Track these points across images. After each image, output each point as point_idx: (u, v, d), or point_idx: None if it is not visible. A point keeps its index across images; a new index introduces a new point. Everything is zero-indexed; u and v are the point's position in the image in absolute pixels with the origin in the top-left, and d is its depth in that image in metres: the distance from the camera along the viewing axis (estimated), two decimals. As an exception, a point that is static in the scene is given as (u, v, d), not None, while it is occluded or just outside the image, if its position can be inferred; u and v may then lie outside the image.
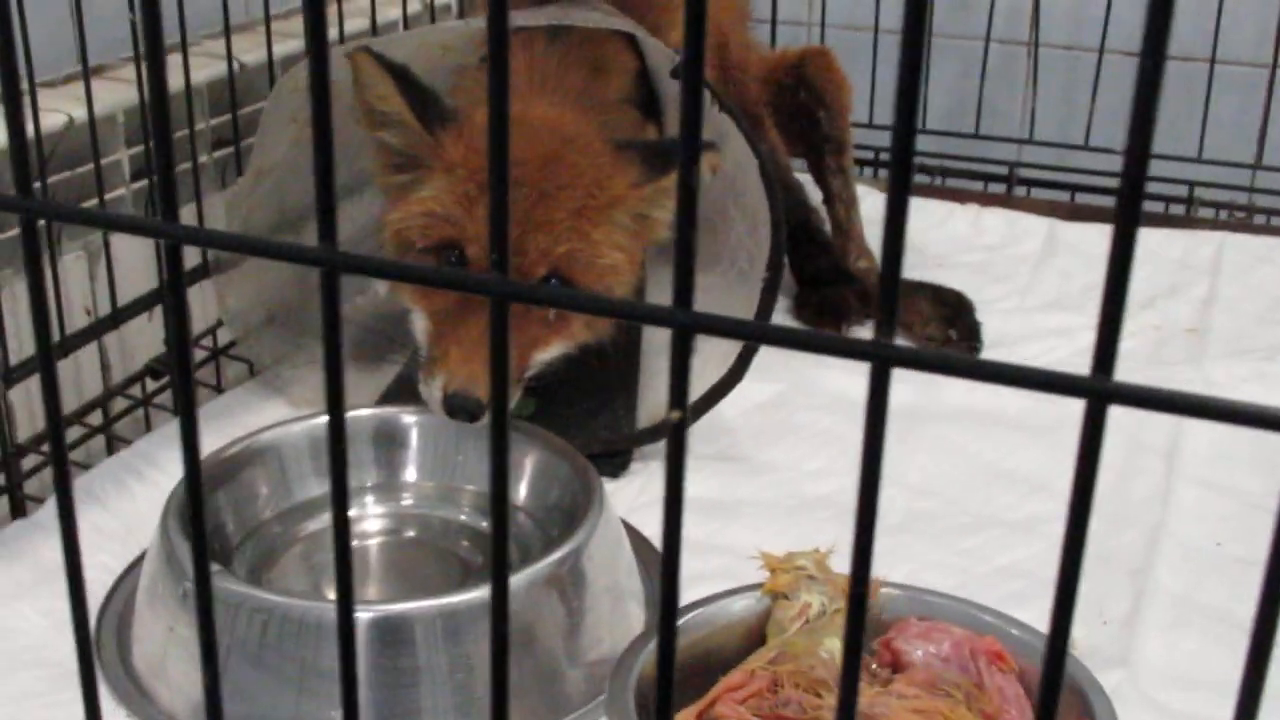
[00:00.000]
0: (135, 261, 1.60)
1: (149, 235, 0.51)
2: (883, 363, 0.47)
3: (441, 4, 2.05)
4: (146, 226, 0.53)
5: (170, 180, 0.50)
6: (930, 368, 0.48)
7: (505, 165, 0.48)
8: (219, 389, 1.68)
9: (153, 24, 0.48)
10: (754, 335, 0.48)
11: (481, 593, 1.09)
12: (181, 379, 0.54)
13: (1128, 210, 0.43)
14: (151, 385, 1.63)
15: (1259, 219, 2.22)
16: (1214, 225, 2.11)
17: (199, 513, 0.57)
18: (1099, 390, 0.45)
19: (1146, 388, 0.47)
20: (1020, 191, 2.33)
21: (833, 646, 1.02)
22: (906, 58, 0.42)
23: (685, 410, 0.49)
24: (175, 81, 1.59)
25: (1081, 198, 2.29)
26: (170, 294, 0.52)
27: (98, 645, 1.17)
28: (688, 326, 0.48)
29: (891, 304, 0.47)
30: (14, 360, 1.41)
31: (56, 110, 1.52)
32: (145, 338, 1.65)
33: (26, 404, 1.52)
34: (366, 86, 1.35)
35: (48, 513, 1.31)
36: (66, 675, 1.15)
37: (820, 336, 0.48)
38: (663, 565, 0.50)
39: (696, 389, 1.50)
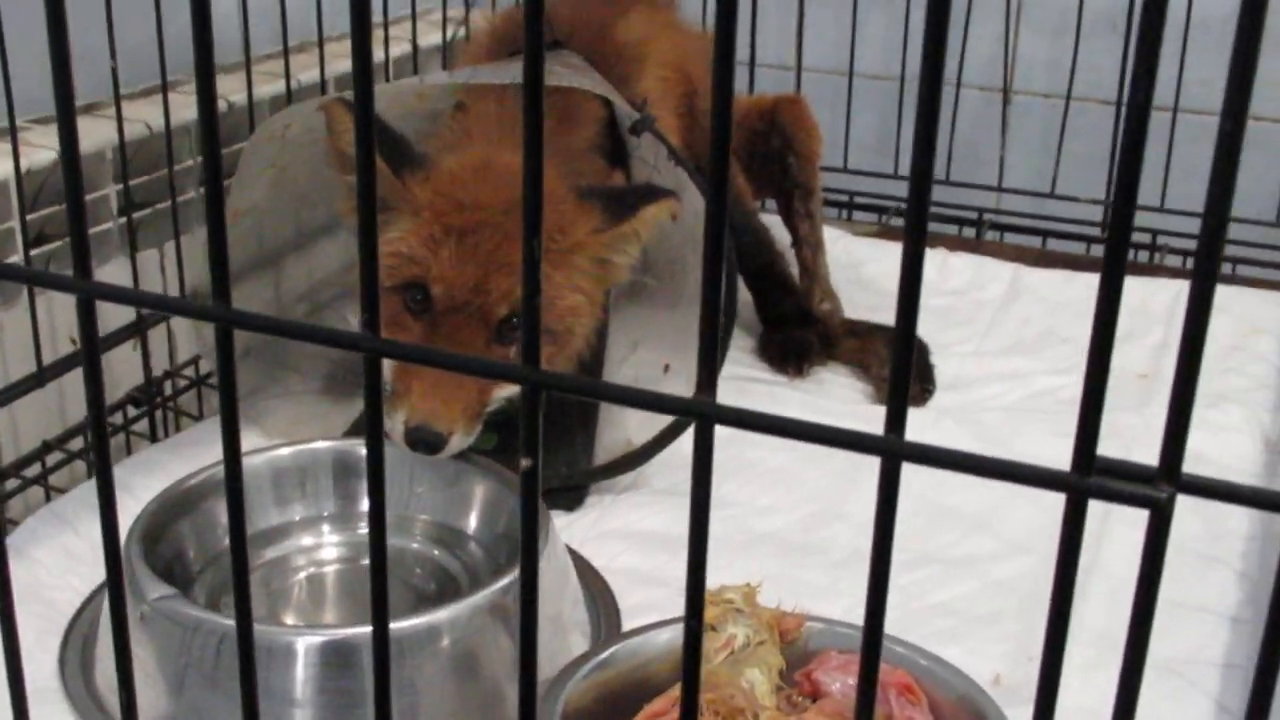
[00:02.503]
0: (119, 294, 1.66)
1: (69, 292, 0.57)
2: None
3: (426, 47, 2.12)
4: (69, 285, 0.58)
5: (83, 239, 0.56)
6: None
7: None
8: (200, 417, 1.74)
9: (64, 83, 0.54)
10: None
11: (425, 619, 1.14)
12: (98, 436, 0.60)
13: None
14: (133, 413, 1.70)
15: (1225, 268, 2.27)
16: (1177, 273, 2.17)
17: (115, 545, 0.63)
18: (891, 449, 0.51)
19: (936, 447, 0.53)
20: (993, 236, 2.39)
21: (754, 677, 1.07)
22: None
23: (537, 458, 0.55)
24: (158, 122, 1.66)
25: (1052, 243, 2.35)
26: (85, 349, 0.58)
27: (62, 664, 1.23)
28: (537, 384, 0.53)
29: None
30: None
31: (47, 147, 1.59)
32: (128, 367, 1.71)
33: (10, 429, 1.59)
34: (338, 133, 1.41)
35: (20, 536, 1.37)
36: (34, 694, 1.20)
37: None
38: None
39: (654, 428, 1.56)
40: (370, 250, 0.55)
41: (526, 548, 0.58)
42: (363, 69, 0.54)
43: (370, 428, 0.59)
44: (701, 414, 0.53)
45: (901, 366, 0.51)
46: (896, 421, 0.51)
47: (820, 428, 0.52)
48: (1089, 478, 0.50)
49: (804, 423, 0.52)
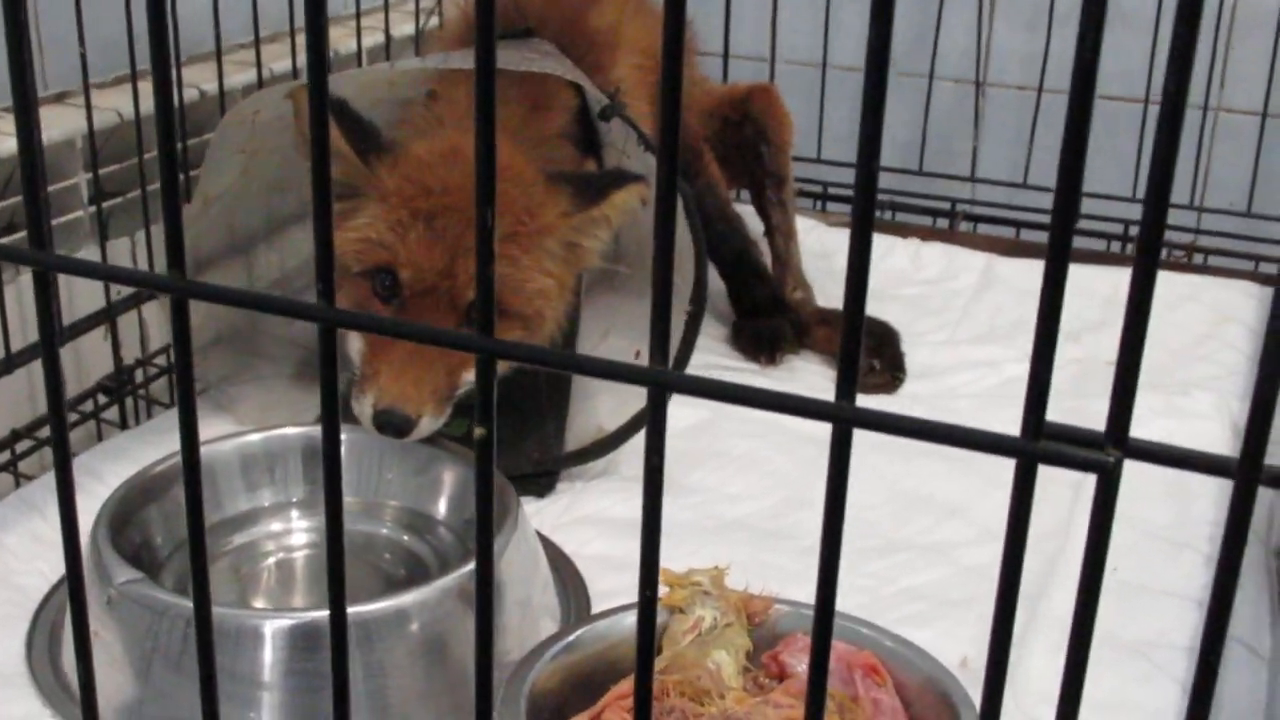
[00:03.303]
0: (88, 281, 1.66)
1: (26, 264, 0.57)
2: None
3: (400, 37, 2.11)
4: (25, 258, 0.58)
5: (41, 211, 0.56)
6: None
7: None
8: (171, 405, 1.74)
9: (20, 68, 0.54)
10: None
11: (393, 602, 1.14)
12: (54, 413, 0.60)
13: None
14: (103, 400, 1.69)
15: (1198, 259, 2.28)
16: (1149, 263, 2.17)
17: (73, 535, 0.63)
18: (842, 415, 0.51)
19: (885, 413, 0.53)
20: (967, 227, 2.40)
21: (720, 658, 1.08)
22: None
23: (491, 427, 0.55)
24: (128, 111, 1.65)
25: (1026, 234, 2.36)
26: (41, 323, 0.58)
27: (30, 649, 1.23)
28: (490, 352, 0.54)
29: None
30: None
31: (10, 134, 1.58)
32: (99, 356, 1.71)
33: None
34: (306, 118, 1.40)
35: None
36: (0, 678, 1.20)
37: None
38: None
39: (625, 414, 1.56)
40: (325, 215, 0.55)
41: (481, 518, 0.58)
42: (318, 47, 0.54)
43: (325, 399, 0.59)
44: (655, 382, 0.53)
45: (852, 333, 0.51)
46: (846, 388, 0.51)
47: (771, 394, 0.52)
48: (1038, 443, 0.50)
49: (755, 389, 0.52)
